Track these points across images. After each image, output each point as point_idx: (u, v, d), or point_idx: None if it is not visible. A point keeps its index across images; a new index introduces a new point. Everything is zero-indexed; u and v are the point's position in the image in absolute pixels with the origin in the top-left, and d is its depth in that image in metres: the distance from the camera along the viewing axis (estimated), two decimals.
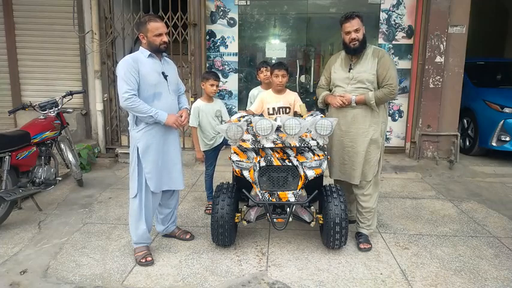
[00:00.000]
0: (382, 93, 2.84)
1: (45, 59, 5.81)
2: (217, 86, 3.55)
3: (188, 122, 3.15)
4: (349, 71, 2.95)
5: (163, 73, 2.76)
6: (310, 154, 2.78)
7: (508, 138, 5.24)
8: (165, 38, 2.71)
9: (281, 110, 3.30)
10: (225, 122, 3.32)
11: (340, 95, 2.95)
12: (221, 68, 5.93)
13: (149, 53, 2.72)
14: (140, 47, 2.77)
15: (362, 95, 2.87)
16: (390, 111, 5.73)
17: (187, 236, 3.15)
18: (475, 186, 4.63)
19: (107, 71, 5.70)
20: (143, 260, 2.78)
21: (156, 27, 2.67)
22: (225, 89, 5.96)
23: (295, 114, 3.28)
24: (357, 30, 2.84)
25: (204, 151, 3.63)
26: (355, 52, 2.91)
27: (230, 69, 5.95)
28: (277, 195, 2.77)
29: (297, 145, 2.70)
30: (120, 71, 2.62)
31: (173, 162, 2.89)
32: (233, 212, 2.90)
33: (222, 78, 5.77)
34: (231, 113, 5.27)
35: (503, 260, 2.89)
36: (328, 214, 2.80)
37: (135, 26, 2.53)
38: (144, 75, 2.65)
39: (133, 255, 2.85)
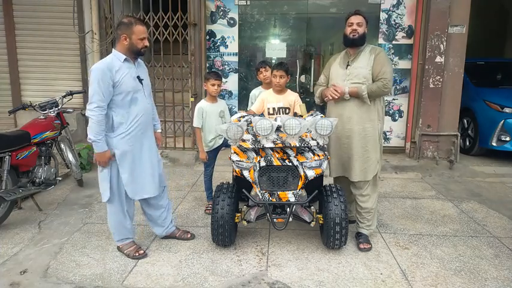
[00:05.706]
0: (376, 86, 2.87)
1: (45, 59, 5.81)
2: (219, 85, 3.53)
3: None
4: (346, 68, 2.99)
5: (138, 77, 2.73)
6: (310, 154, 2.78)
7: (508, 138, 5.24)
8: (147, 42, 2.72)
9: (281, 110, 3.30)
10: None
11: (333, 85, 2.98)
12: (221, 68, 5.93)
13: (125, 57, 2.65)
14: (114, 49, 2.68)
15: (355, 87, 2.90)
16: (390, 111, 5.74)
17: (188, 236, 3.16)
18: (475, 186, 4.63)
19: None
20: (136, 254, 2.80)
21: (142, 31, 2.66)
22: (225, 89, 5.96)
23: (295, 115, 3.28)
24: (359, 24, 2.92)
25: None
26: (352, 43, 2.95)
27: (230, 69, 5.95)
28: (277, 195, 2.77)
29: (297, 145, 2.70)
30: (94, 79, 2.54)
31: (150, 169, 2.83)
32: (233, 212, 2.89)
33: (222, 78, 5.76)
34: (231, 113, 5.24)
35: (503, 260, 2.89)
36: (328, 214, 2.80)
37: (117, 26, 2.52)
38: (120, 82, 2.60)
39: (124, 253, 2.87)
